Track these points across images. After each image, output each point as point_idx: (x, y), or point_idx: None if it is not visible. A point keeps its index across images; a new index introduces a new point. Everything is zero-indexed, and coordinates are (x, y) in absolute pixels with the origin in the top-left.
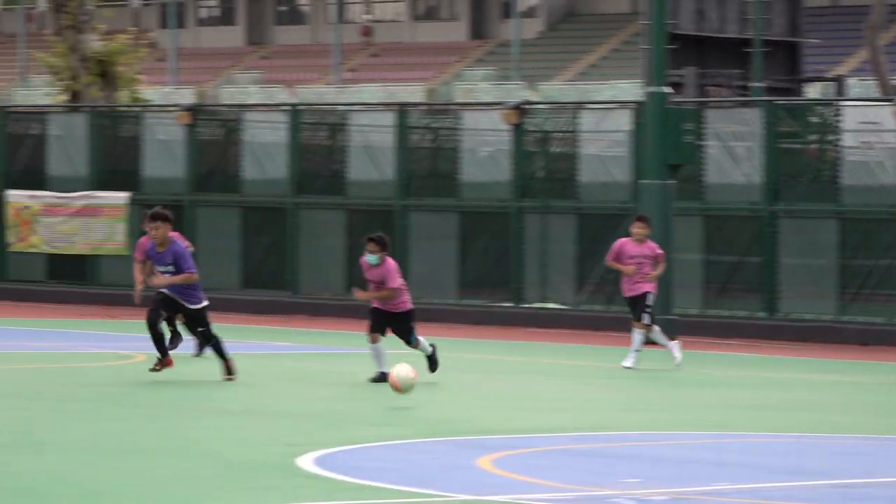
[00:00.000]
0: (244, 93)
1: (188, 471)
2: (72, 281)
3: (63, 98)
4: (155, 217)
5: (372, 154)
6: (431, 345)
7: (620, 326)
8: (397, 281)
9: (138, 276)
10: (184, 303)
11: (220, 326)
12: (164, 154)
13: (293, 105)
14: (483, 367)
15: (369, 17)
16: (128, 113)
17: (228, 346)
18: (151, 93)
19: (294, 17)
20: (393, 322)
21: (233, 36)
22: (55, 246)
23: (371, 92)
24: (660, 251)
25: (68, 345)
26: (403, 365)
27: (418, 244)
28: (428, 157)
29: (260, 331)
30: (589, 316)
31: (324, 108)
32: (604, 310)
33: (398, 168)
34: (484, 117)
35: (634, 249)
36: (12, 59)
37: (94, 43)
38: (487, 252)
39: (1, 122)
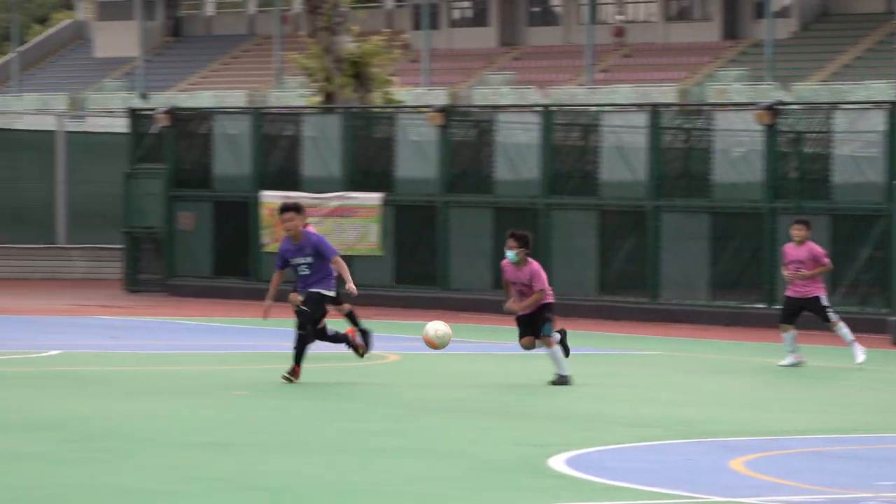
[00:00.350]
0: (496, 94)
1: (440, 470)
2: None
3: (317, 99)
4: (287, 208)
5: (624, 155)
6: (560, 331)
7: (875, 328)
8: (544, 282)
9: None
10: (314, 287)
11: (472, 327)
12: (417, 155)
13: (545, 106)
14: (734, 368)
15: (622, 17)
16: (381, 114)
17: (483, 346)
18: (404, 94)
19: (547, 17)
20: (531, 315)
21: (485, 37)
22: None
23: (623, 93)
24: (819, 255)
25: (321, 345)
26: (439, 323)
27: (670, 245)
28: (680, 157)
29: (511, 331)
30: (842, 317)
31: (576, 109)
32: (858, 311)
33: (650, 169)
34: (737, 118)
35: (793, 253)
36: (267, 61)
37: (348, 44)
38: (739, 253)
39: (256, 123)
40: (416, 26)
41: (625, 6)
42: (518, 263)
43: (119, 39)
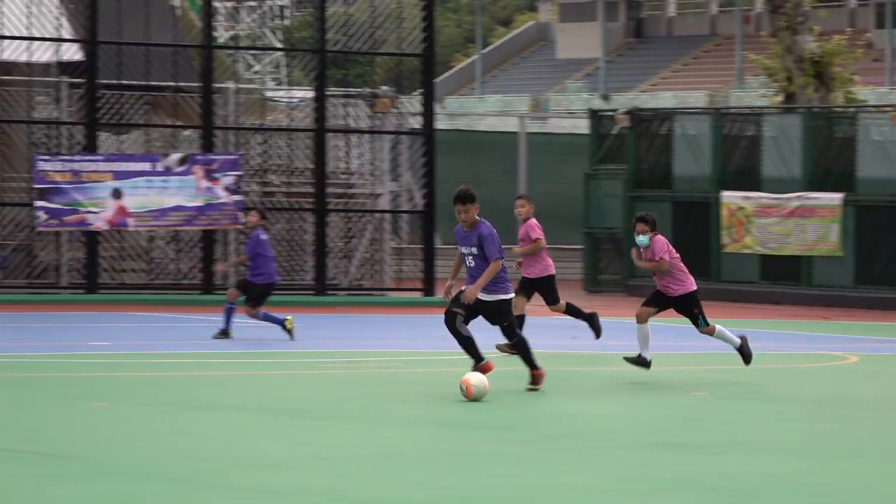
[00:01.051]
0: None
1: None
2: (785, 282)
3: (778, 99)
4: (465, 199)
5: None
6: (741, 337)
7: None
8: (664, 252)
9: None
10: (481, 295)
11: None
12: (879, 155)
13: None
14: None
15: None
16: (843, 114)
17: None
18: (867, 93)
19: None
20: (675, 305)
21: None
22: (768, 247)
23: None
24: None
25: (780, 345)
26: (480, 376)
27: None
28: None
29: None
30: None
31: None
32: None
33: None
34: None
35: None
36: (729, 61)
37: (809, 44)
38: None
39: (716, 123)
40: (880, 25)
41: None
42: (649, 246)
43: (581, 40)
